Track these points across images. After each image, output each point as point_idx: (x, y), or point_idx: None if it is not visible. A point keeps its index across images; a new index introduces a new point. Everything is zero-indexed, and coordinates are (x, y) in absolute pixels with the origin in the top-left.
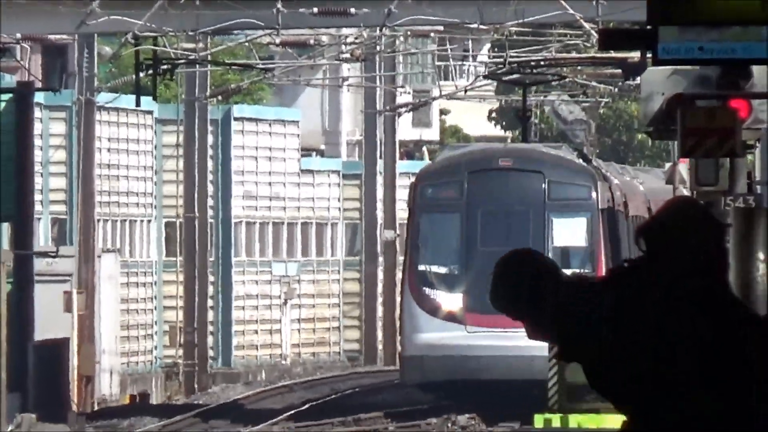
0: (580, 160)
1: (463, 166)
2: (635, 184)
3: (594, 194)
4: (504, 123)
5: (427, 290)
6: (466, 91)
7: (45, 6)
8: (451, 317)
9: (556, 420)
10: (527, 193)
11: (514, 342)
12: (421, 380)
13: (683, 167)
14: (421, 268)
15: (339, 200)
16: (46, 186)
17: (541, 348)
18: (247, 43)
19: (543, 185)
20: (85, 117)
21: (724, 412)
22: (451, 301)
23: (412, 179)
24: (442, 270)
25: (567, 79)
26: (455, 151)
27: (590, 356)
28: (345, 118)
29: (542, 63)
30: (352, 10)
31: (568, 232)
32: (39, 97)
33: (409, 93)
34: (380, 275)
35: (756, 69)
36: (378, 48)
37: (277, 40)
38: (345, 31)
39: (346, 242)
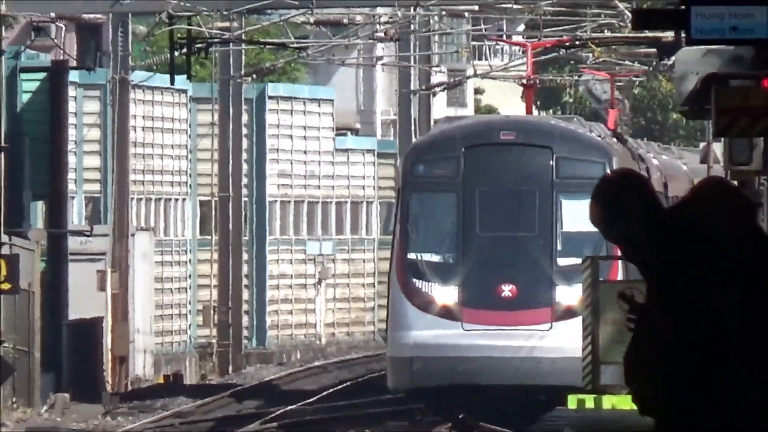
0: (595, 134)
1: (459, 139)
2: (678, 164)
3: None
4: (538, 102)
5: (418, 282)
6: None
7: None
8: (445, 313)
9: (589, 401)
10: (533, 171)
11: (516, 341)
12: (411, 385)
13: (718, 146)
14: (411, 256)
15: (374, 179)
16: (80, 165)
17: (547, 349)
18: (281, 23)
19: (551, 162)
20: (120, 96)
21: None
22: (445, 294)
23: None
24: (435, 258)
25: (572, 49)
26: (451, 123)
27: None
28: (379, 97)
29: (576, 43)
30: None
31: (580, 216)
32: (73, 75)
33: (443, 72)
34: None
35: None
36: (412, 27)
37: (312, 19)
38: (379, 10)
39: (381, 221)
